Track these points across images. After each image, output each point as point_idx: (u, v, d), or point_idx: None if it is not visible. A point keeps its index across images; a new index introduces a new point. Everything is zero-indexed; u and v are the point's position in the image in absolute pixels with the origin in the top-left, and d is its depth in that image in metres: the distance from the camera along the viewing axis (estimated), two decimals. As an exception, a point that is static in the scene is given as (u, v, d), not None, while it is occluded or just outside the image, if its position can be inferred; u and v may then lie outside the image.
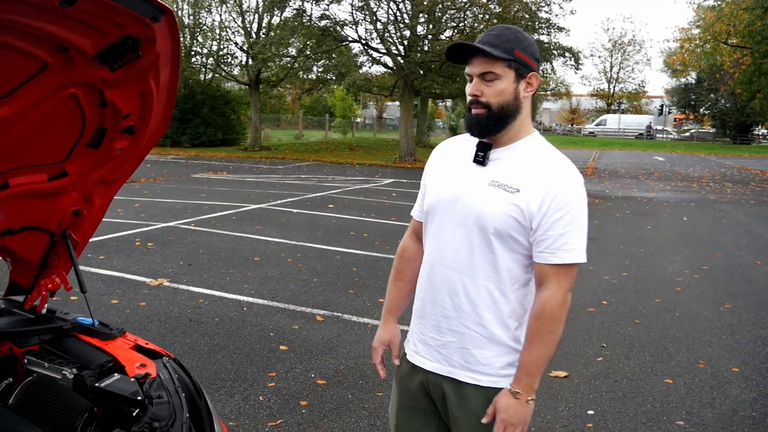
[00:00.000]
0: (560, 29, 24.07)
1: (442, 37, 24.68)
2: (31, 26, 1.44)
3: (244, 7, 29.04)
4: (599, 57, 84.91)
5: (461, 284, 1.84)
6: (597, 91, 66.14)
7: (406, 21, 24.17)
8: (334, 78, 29.07)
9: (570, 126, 65.28)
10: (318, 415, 3.56)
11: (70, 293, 5.35)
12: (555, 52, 24.44)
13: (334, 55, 26.12)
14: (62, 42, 1.55)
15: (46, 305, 2.36)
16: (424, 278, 1.97)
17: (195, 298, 5.63)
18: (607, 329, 5.30)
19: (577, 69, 26.10)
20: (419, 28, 24.51)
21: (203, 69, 31.76)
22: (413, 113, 27.49)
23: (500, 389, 1.82)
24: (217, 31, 30.18)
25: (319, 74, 31.29)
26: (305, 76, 33.35)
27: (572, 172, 1.82)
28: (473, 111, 1.80)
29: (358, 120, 56.72)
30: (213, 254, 7.39)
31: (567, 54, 24.65)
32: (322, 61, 27.84)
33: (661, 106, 60.09)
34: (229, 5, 28.74)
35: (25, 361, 2.05)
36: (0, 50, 1.49)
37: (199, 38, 30.21)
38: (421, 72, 23.94)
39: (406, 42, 24.23)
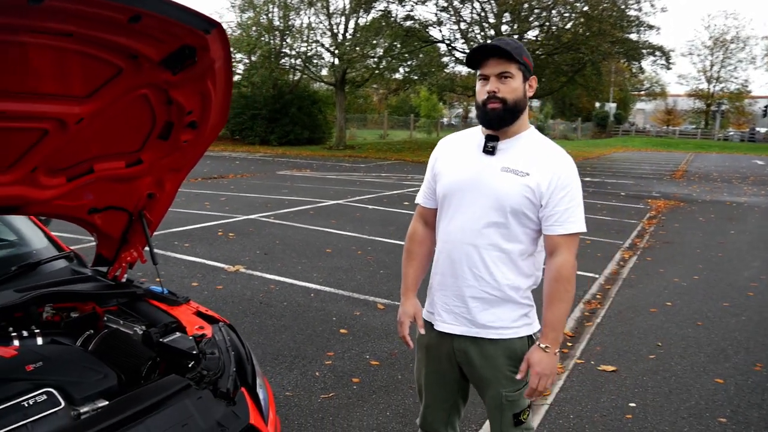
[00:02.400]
0: (650, 27, 23.32)
1: (528, 36, 24.47)
2: (106, 39, 1.78)
3: (332, 9, 29.83)
4: (698, 55, 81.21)
5: (479, 257, 2.16)
6: (696, 90, 62.90)
7: (491, 21, 24.11)
8: (417, 78, 29.36)
9: (665, 127, 62.61)
10: (368, 391, 3.84)
11: (155, 273, 5.90)
12: (644, 51, 23.69)
13: (421, 55, 26.39)
14: (132, 51, 1.88)
15: (125, 275, 2.74)
16: (443, 255, 2.27)
17: (267, 284, 6.05)
18: (665, 330, 5.29)
19: (668, 68, 25.20)
20: (503, 28, 24.37)
21: (292, 70, 32.80)
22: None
23: (519, 339, 2.19)
24: (306, 33, 31.10)
25: (405, 75, 31.68)
26: (390, 77, 33.81)
27: (568, 157, 2.18)
28: (491, 106, 2.10)
29: (444, 120, 56.78)
30: (288, 245, 7.83)
31: (657, 53, 23.83)
32: (409, 62, 28.18)
33: (766, 107, 56.66)
34: (317, 7, 29.60)
35: (105, 318, 2.43)
36: (83, 58, 1.84)
37: (288, 40, 31.21)
38: (505, 72, 23.78)
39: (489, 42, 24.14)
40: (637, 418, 3.64)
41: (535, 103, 47.72)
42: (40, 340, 2.14)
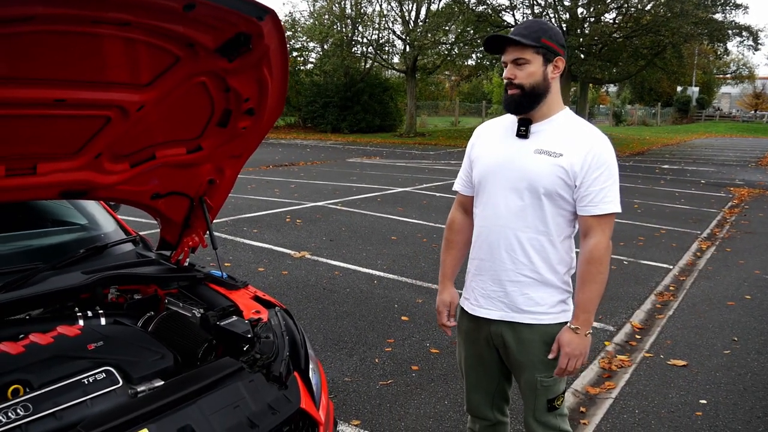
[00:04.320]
0: (737, 6, 22.06)
1: (605, 18, 23.64)
2: (163, 27, 1.82)
3: (403, -5, 29.72)
4: (792, 35, 76.08)
5: (516, 239, 2.17)
6: (787, 72, 58.93)
7: (566, 3, 23.42)
8: (489, 64, 28.93)
9: (753, 112, 59.21)
10: (427, 379, 3.83)
11: (226, 261, 6.06)
12: (730, 31, 22.45)
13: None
14: (188, 39, 1.92)
15: (188, 259, 2.82)
16: (480, 239, 2.27)
17: (331, 270, 6.12)
18: (743, 324, 5.02)
19: (756, 49, 23.84)
20: (579, 11, 23.62)
21: (363, 58, 32.95)
22: (571, 99, 26.65)
23: (557, 324, 2.17)
24: (377, 20, 31.14)
25: (478, 61, 31.30)
26: (463, 63, 33.46)
27: (603, 137, 2.14)
28: (509, 92, 2.13)
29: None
30: (354, 232, 7.89)
31: (744, 33, 22.54)
32: (482, 48, 27.76)
33: None
34: (388, -6, 29.57)
35: (166, 300, 2.51)
36: (143, 47, 1.88)
37: (360, 28, 31.34)
38: (582, 56, 23.10)
39: (564, 26, 23.49)
40: (707, 416, 3.48)
41: (612, 88, 46.09)
42: (103, 321, 2.23)
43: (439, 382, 3.79)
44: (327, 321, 4.74)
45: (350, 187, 11.86)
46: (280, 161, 17.02)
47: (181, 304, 2.48)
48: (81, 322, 2.16)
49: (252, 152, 2.64)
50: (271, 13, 1.94)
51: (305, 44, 35.68)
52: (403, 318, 4.87)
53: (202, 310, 2.40)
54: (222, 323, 2.31)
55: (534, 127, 2.14)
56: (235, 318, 2.37)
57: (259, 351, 2.17)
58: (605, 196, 2.06)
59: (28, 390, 1.73)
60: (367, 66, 33.09)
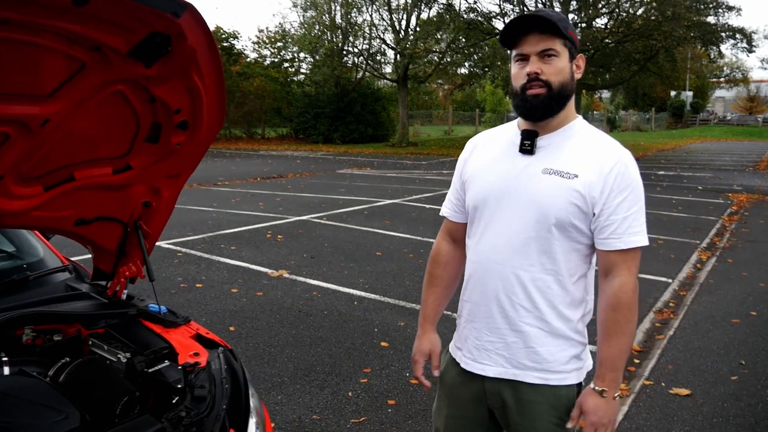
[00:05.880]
0: (729, 8, 21.91)
1: (597, 23, 23.48)
2: (54, 26, 1.51)
3: (393, 4, 29.55)
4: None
5: (517, 280, 1.76)
6: (781, 76, 58.97)
7: (557, 9, 23.28)
8: (481, 72, 28.77)
9: (747, 115, 59.10)
10: (403, 416, 3.48)
11: (198, 282, 5.73)
12: (723, 34, 22.29)
13: (486, 48, 25.77)
14: (92, 41, 1.61)
15: (125, 291, 2.49)
16: (474, 279, 1.87)
17: (309, 291, 5.77)
18: (750, 344, 4.69)
19: (750, 52, 23.64)
20: (570, 17, 23.48)
21: (355, 68, 32.77)
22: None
23: (568, 386, 1.78)
24: (367, 30, 30.97)
25: (471, 69, 31.12)
26: (455, 71, 33.28)
27: (626, 152, 1.74)
28: (531, 92, 1.71)
29: (511, 114, 55.71)
30: (337, 248, 7.55)
31: (738, 35, 22.38)
32: (474, 56, 27.64)
33: None
34: (378, 3, 29.38)
35: (90, 342, 2.19)
36: (35, 51, 1.58)
37: (350, 38, 31.16)
38: (572, 62, 22.93)
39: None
40: (714, 455, 3.15)
41: (605, 93, 45.98)
42: (6, 370, 1.90)
43: (418, 420, 3.43)
44: (300, 348, 4.39)
45: (337, 200, 11.54)
46: (268, 173, 16.69)
47: (105, 347, 2.16)
48: (-22, 372, 1.85)
49: (192, 170, 2.33)
50: (189, 8, 1.64)
51: (296, 55, 35.52)
52: (383, 344, 4.52)
53: (128, 354, 2.08)
54: (151, 370, 1.99)
55: (542, 141, 1.75)
56: (166, 363, 2.05)
57: (186, 407, 1.84)
58: (630, 226, 1.67)
59: None
60: (359, 76, 32.89)
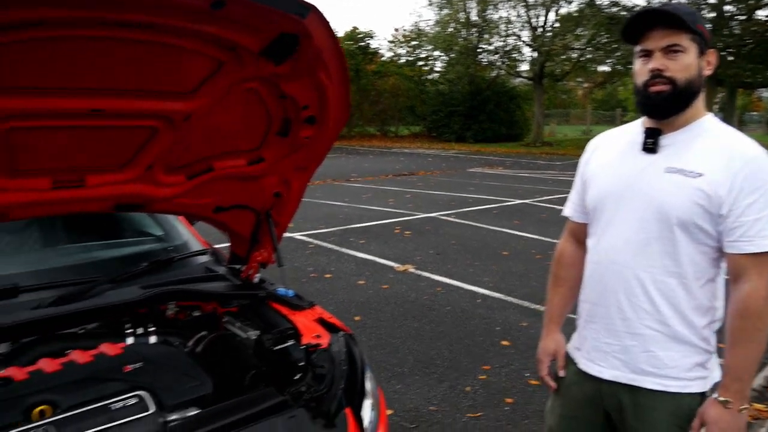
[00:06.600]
0: None
1: (757, 15, 21.64)
2: (194, 29, 1.68)
3: (530, 1, 28.92)
4: None
5: (637, 281, 1.73)
6: None
7: (711, 1, 21.69)
8: (624, 69, 27.46)
9: None
10: (520, 415, 3.46)
11: (327, 273, 5.98)
12: None
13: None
14: (228, 42, 1.77)
15: (257, 275, 2.69)
16: (594, 279, 1.86)
17: (434, 286, 5.85)
18: None
19: None
20: (726, 8, 21.79)
21: (489, 66, 32.48)
22: (718, 106, 24.63)
23: (691, 395, 1.71)
24: (503, 27, 30.56)
25: (613, 66, 29.81)
26: (594, 69, 32.01)
27: (761, 150, 1.65)
28: (655, 88, 1.67)
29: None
30: (463, 245, 7.57)
31: None
32: (617, 53, 26.45)
33: None
34: (515, 0, 28.92)
35: (224, 319, 2.39)
36: (179, 52, 1.75)
37: (485, 35, 30.91)
38: (729, 58, 21.25)
39: (709, 26, 21.74)
40: None
41: (766, 93, 42.16)
42: (153, 339, 2.12)
43: (535, 420, 3.39)
44: (421, 341, 4.48)
45: (466, 198, 11.53)
46: (399, 171, 16.99)
47: (238, 325, 2.35)
48: (130, 340, 2.08)
49: (319, 163, 2.47)
50: (313, 10, 1.75)
51: (430, 53, 35.75)
52: (504, 342, 4.50)
53: (258, 332, 2.25)
54: (276, 348, 2.14)
55: (666, 139, 1.71)
56: (291, 342, 2.19)
57: (308, 383, 1.97)
58: (763, 229, 1.59)
59: (56, 412, 1.66)
60: (493, 74, 32.54)
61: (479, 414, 3.45)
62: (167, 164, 2.16)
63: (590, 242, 1.88)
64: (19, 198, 1.94)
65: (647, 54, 1.67)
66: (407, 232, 8.27)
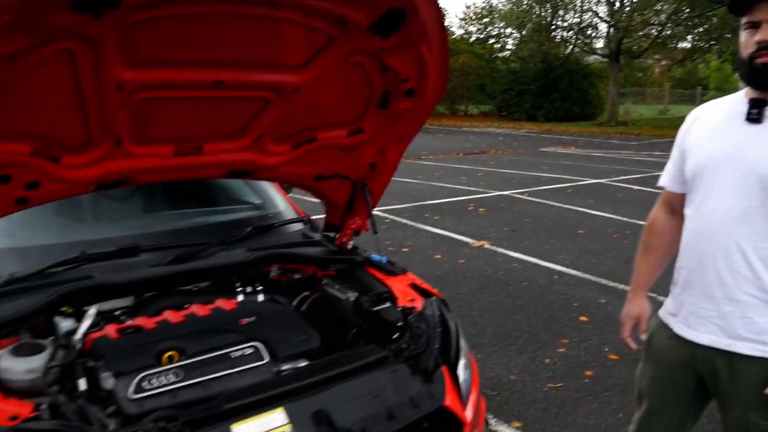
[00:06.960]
0: None
1: None
2: (311, 5, 1.79)
3: (609, -25, 28.01)
4: None
5: (737, 248, 1.74)
6: None
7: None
8: (707, 46, 26.29)
9: None
10: (600, 387, 3.51)
11: (405, 246, 6.11)
12: None
13: (714, 19, 23.41)
14: (340, 17, 1.87)
15: (351, 242, 2.82)
16: (691, 246, 1.88)
17: (510, 262, 5.90)
18: None
19: None
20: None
21: (563, 43, 31.69)
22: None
23: None
24: (579, 3, 29.71)
25: (694, 43, 28.56)
26: (675, 45, 30.75)
27: None
28: (761, 60, 1.65)
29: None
30: (537, 223, 7.56)
31: None
32: (699, 28, 25.32)
33: None
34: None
35: (324, 282, 2.53)
36: (295, 27, 1.87)
37: (560, 11, 30.14)
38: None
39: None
40: None
41: None
42: (261, 297, 2.29)
43: (615, 392, 3.44)
44: (499, 314, 4.55)
45: (540, 177, 11.43)
46: (470, 149, 16.92)
47: (337, 287, 2.48)
48: (240, 297, 2.24)
49: (415, 135, 2.57)
50: (424, -15, 1.83)
51: (502, 30, 35.16)
52: (582, 318, 4.52)
53: (356, 294, 2.38)
54: (374, 309, 2.27)
55: None
56: (388, 304, 2.31)
57: (407, 341, 2.09)
58: None
59: (182, 357, 1.83)
60: (567, 51, 31.75)
61: (559, 385, 3.51)
62: (276, 134, 2.29)
63: (688, 211, 1.89)
64: (146, 163, 2.10)
65: (754, 26, 1.66)
66: (481, 209, 8.30)
